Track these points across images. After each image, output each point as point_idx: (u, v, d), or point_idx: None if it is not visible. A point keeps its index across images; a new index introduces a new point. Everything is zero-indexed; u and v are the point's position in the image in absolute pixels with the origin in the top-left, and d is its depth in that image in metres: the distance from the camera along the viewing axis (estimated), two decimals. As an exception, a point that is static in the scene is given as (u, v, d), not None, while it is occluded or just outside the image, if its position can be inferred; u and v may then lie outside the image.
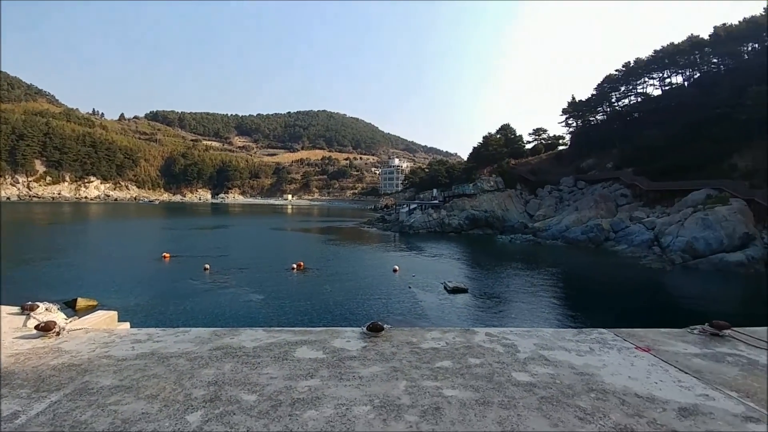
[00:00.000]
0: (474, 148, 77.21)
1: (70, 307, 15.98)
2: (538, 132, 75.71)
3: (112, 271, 25.03)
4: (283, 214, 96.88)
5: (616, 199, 45.76)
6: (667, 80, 63.67)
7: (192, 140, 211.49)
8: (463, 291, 21.25)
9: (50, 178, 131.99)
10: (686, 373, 2.43)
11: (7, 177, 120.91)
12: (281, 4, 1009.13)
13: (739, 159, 39.54)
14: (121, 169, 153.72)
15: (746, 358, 2.66)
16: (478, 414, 1.90)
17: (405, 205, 70.29)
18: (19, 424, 1.82)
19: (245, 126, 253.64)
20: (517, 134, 75.64)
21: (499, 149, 68.71)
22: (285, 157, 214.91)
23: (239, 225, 63.92)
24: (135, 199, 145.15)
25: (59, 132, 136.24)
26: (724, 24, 56.92)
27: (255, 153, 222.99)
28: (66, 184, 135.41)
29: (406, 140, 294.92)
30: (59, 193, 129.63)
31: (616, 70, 67.26)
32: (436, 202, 61.47)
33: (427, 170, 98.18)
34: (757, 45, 52.09)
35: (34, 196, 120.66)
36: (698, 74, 59.07)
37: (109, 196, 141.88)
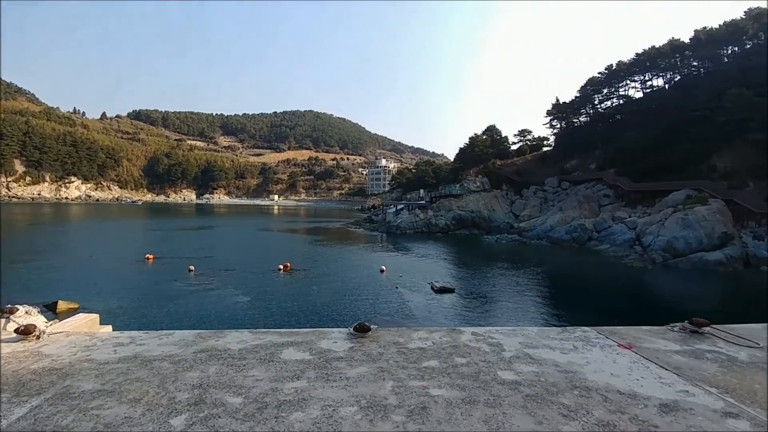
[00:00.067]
0: (460, 148, 77.79)
1: (51, 310, 15.66)
2: (523, 133, 76.50)
3: (93, 273, 24.55)
4: (270, 215, 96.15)
5: (599, 199, 46.53)
6: (649, 83, 64.98)
7: (176, 140, 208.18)
8: (450, 291, 21.37)
9: (30, 179, 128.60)
10: (667, 369, 2.47)
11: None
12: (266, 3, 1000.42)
13: (718, 160, 40.54)
14: (103, 169, 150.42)
15: (725, 355, 2.72)
16: (464, 413, 1.91)
17: (392, 206, 70.31)
18: (-3, 430, 1.78)
19: (231, 126, 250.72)
20: (503, 135, 76.44)
21: (485, 150, 69.32)
22: (271, 158, 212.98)
23: (225, 226, 63.24)
24: (117, 199, 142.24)
25: (39, 131, 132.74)
26: (704, 27, 58.28)
27: (241, 153, 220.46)
28: (46, 184, 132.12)
29: (393, 140, 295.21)
30: (39, 194, 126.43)
31: (599, 73, 68.56)
32: (423, 202, 61.67)
33: (414, 171, 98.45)
34: (736, 48, 53.49)
35: (13, 197, 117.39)
36: (679, 77, 60.35)
37: (90, 196, 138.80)
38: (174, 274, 24.04)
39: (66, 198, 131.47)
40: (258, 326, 11.97)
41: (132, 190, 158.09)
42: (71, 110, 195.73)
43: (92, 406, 1.98)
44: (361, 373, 2.37)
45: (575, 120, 71.01)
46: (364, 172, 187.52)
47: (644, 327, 3.30)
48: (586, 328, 3.26)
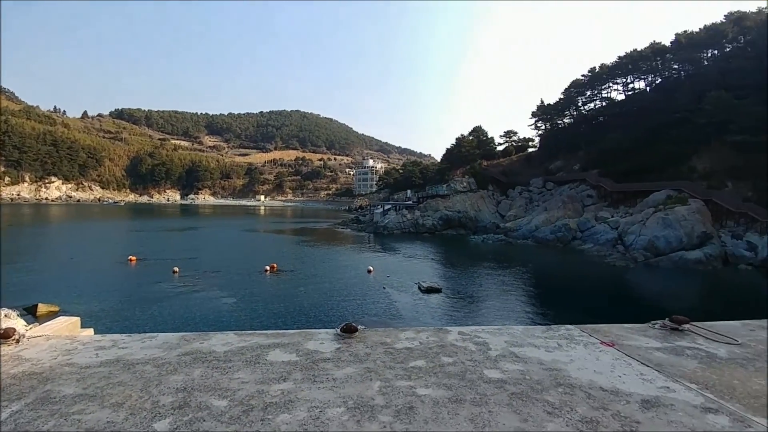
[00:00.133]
0: (447, 149, 78.22)
1: (31, 314, 15.29)
2: (509, 134, 77.20)
3: (74, 275, 24.03)
4: (256, 216, 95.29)
5: (582, 199, 47.25)
6: (630, 85, 66.17)
7: (160, 139, 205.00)
8: (437, 291, 21.47)
9: (9, 179, 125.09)
10: (648, 366, 2.52)
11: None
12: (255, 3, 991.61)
13: (698, 161, 41.48)
14: (84, 168, 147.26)
15: (705, 352, 2.79)
16: (450, 412, 1.92)
17: (379, 206, 70.33)
18: (-25, 436, 1.73)
19: (216, 125, 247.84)
20: (489, 136, 77.01)
21: (472, 151, 69.79)
22: (257, 158, 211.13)
23: (210, 227, 62.49)
24: (99, 200, 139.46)
25: (18, 130, 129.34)
26: (685, 31, 59.63)
27: (226, 153, 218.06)
28: (26, 184, 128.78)
29: (380, 141, 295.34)
30: (18, 194, 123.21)
31: (582, 75, 69.47)
32: (411, 202, 61.88)
33: (401, 171, 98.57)
34: (716, 51, 54.74)
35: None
36: (660, 80, 61.58)
37: (71, 197, 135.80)
38: (158, 276, 23.66)
39: (46, 198, 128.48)
40: (244, 328, 11.86)
41: (114, 190, 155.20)
42: (51, 109, 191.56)
43: (73, 411, 1.94)
44: (348, 374, 2.37)
45: (559, 121, 71.97)
46: (352, 173, 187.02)
47: (626, 325, 3.36)
48: (569, 327, 3.31)
